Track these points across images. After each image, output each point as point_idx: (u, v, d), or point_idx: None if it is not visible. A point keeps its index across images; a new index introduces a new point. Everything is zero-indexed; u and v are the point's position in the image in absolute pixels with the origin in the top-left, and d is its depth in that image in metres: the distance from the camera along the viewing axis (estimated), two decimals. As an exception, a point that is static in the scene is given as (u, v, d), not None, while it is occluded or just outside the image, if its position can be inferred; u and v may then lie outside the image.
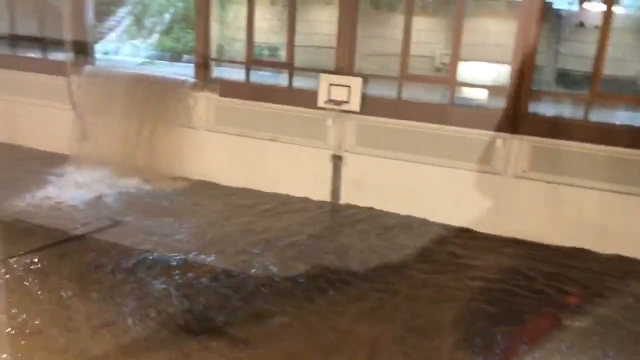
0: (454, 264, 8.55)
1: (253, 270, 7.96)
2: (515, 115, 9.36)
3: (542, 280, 8.13)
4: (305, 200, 10.70)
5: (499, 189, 9.61)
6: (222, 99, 11.18)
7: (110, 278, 7.45)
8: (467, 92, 10.64)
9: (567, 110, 9.99)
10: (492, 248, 9.19)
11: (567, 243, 9.23)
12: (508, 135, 9.40)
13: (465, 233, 9.69)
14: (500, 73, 12.62)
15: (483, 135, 9.54)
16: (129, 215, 9.58)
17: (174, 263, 8.02)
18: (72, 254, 8.04)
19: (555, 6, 14.93)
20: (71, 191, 10.46)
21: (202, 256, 8.28)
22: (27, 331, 6.11)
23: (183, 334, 6.29)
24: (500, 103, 9.64)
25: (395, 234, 9.56)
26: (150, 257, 8.10)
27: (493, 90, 10.46)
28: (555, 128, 9.20)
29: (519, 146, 9.37)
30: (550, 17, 13.82)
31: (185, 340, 6.17)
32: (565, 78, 13.12)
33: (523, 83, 9.29)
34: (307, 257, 8.45)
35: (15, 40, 12.83)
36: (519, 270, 8.42)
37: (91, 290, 7.08)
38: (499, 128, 9.44)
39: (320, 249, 8.77)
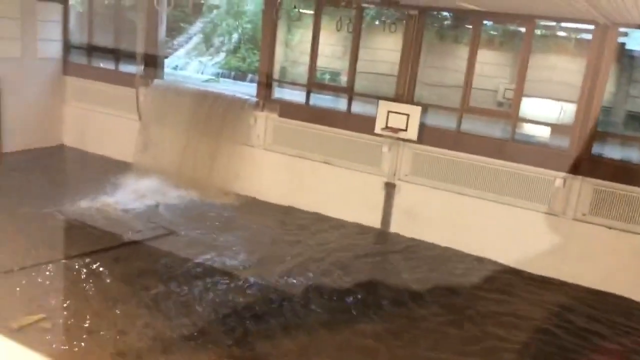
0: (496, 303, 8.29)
1: (293, 289, 8.02)
2: (579, 155, 9.07)
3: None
4: (356, 225, 10.66)
5: (556, 230, 9.29)
6: (281, 119, 11.36)
7: (158, 284, 7.64)
8: (529, 129, 10.40)
9: (634, 155, 9.61)
10: (538, 291, 8.87)
11: (625, 293, 8.80)
12: (569, 175, 9.11)
13: (514, 273, 9.39)
14: (565, 111, 12.28)
15: (543, 173, 9.28)
16: (182, 226, 9.82)
17: (220, 276, 8.15)
18: (126, 259, 8.31)
19: (628, 47, 14.48)
20: (130, 199, 10.83)
21: (247, 272, 8.38)
22: (80, 332, 6.34)
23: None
24: (564, 142, 9.38)
25: (448, 267, 9.39)
26: (199, 269, 8.28)
27: (556, 128, 10.19)
28: (620, 172, 8.85)
29: (580, 188, 9.06)
30: (621, 57, 13.40)
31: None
32: (634, 121, 12.63)
33: (588, 123, 9.01)
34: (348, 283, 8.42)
35: (92, 50, 13.49)
36: (561, 316, 8.08)
37: (139, 294, 7.29)
38: (561, 168, 9.16)
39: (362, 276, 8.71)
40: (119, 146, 12.83)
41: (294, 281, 8.24)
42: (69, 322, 6.46)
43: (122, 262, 8.14)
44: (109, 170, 12.22)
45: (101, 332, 6.35)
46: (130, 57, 12.81)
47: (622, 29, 9.37)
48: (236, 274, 8.25)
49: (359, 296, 8.02)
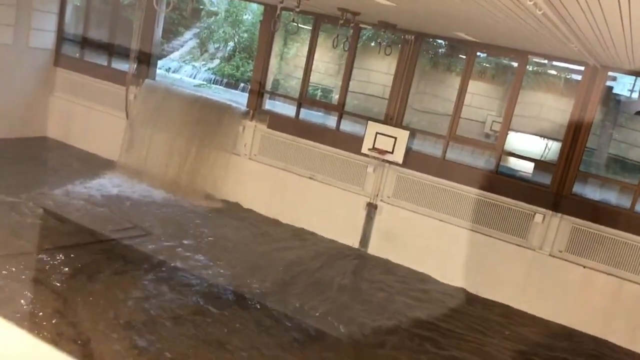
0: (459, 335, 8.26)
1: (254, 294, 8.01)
2: (560, 193, 9.18)
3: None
4: (333, 242, 10.63)
5: (531, 265, 9.36)
6: (269, 130, 11.36)
7: (131, 284, 7.53)
8: (513, 162, 10.52)
9: (613, 197, 9.75)
10: (506, 323, 8.89)
11: (593, 332, 8.87)
12: (549, 212, 9.21)
13: (484, 303, 9.41)
14: (549, 148, 12.46)
15: (523, 207, 9.37)
16: (159, 227, 9.70)
17: (188, 279, 8.07)
18: (100, 257, 8.16)
19: (615, 91, 14.76)
20: (110, 196, 10.69)
21: (216, 277, 8.32)
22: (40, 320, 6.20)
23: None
24: (546, 179, 9.49)
25: (417, 295, 9.38)
26: (166, 271, 8.21)
27: (540, 164, 10.32)
28: (599, 213, 8.97)
29: (559, 225, 9.15)
30: (608, 101, 13.65)
31: None
32: (615, 164, 12.83)
33: (572, 162, 9.14)
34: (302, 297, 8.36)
35: (85, 44, 13.38)
36: (527, 352, 8.08)
37: (111, 293, 7.18)
38: (541, 203, 9.26)
39: (321, 292, 8.65)
40: (104, 143, 12.69)
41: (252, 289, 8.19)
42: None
43: (97, 261, 8.00)
44: (91, 166, 12.08)
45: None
46: (123, 54, 12.73)
47: (610, 73, 9.57)
48: (204, 278, 8.23)
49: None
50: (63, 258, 7.75)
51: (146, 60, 12.58)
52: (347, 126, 11.02)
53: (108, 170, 11.95)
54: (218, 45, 17.72)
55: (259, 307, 7.76)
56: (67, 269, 7.50)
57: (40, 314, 6.37)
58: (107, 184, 11.27)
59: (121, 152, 12.32)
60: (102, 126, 12.88)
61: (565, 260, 9.12)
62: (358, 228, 10.56)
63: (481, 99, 14.10)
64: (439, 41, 14.06)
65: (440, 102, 13.56)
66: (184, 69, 16.98)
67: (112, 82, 12.71)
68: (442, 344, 7.76)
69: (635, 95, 14.80)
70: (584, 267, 8.98)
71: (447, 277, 9.84)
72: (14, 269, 7.12)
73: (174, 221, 10.17)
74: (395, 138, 10.01)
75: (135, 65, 12.51)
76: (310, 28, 11.52)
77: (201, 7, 17.80)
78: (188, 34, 18.41)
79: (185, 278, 8.13)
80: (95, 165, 12.16)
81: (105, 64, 13.14)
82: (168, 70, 16.37)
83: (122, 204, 10.47)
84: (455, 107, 10.03)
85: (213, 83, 16.08)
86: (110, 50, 13.10)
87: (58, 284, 7.09)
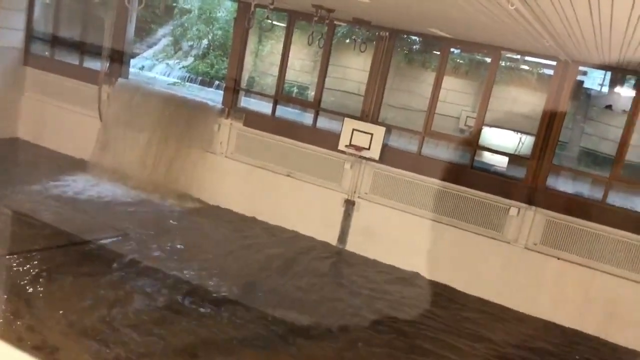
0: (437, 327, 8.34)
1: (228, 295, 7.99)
2: (533, 186, 9.32)
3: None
4: (311, 239, 10.63)
5: (507, 258, 9.49)
6: (245, 128, 11.29)
7: (107, 287, 7.43)
8: (487, 157, 10.64)
9: (586, 190, 9.93)
10: (484, 317, 9.01)
11: (568, 324, 9.03)
12: (524, 205, 9.35)
13: (463, 296, 9.52)
14: (523, 142, 12.63)
15: (498, 201, 9.49)
16: (133, 228, 9.57)
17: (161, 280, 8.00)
18: (71, 259, 8.03)
19: (586, 85, 15.03)
20: (83, 197, 10.53)
21: (191, 279, 8.26)
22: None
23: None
24: (520, 172, 9.62)
25: (393, 288, 9.44)
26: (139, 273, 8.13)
27: (514, 158, 10.46)
28: (572, 205, 9.13)
29: (533, 218, 9.29)
30: (579, 95, 13.90)
31: None
32: (587, 157, 13.07)
33: (545, 156, 9.29)
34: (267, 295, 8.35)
35: (56, 43, 13.10)
36: (502, 343, 8.19)
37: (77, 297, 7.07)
38: (516, 197, 9.39)
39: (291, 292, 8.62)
40: (77, 143, 12.46)
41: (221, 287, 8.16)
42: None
43: (70, 264, 7.88)
44: (64, 166, 11.86)
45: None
46: (95, 53, 12.51)
47: (581, 68, 9.74)
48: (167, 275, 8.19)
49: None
50: (32, 261, 7.59)
51: (119, 59, 12.39)
52: (323, 123, 11.01)
53: (81, 170, 11.76)
54: (192, 43, 17.57)
55: (232, 308, 7.66)
56: (34, 272, 7.34)
57: (0, 320, 6.23)
58: (80, 185, 11.09)
59: (95, 152, 12.12)
60: (75, 126, 12.63)
61: (540, 252, 9.27)
62: (336, 225, 10.58)
63: (456, 95, 14.23)
64: (414, 37, 14.14)
65: (415, 98, 13.65)
66: (157, 67, 16.81)
67: (85, 82, 12.47)
68: (418, 337, 7.83)
69: (605, 90, 15.10)
70: (558, 259, 9.14)
71: (426, 271, 9.92)
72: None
73: (148, 221, 10.05)
74: (372, 134, 10.04)
75: (108, 64, 12.32)
76: (285, 25, 11.48)
77: (174, 4, 17.62)
78: (161, 32, 18.21)
79: (158, 279, 8.02)
80: (68, 165, 11.95)
81: (77, 62, 12.89)
82: (141, 68, 16.18)
83: (96, 205, 10.33)
84: (430, 103, 10.11)
85: (187, 81, 15.95)
86: (82, 48, 12.84)
87: (24, 289, 6.94)
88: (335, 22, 10.38)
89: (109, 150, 12.04)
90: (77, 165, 11.96)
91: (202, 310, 7.49)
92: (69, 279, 7.41)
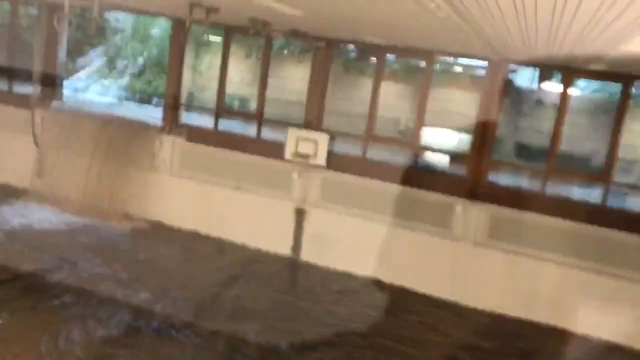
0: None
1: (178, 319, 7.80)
2: (475, 183, 9.62)
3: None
4: (263, 252, 10.57)
5: (456, 254, 9.72)
6: (188, 144, 11.15)
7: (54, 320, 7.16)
8: (429, 157, 10.92)
9: (525, 182, 10.33)
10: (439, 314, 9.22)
11: (520, 314, 9.33)
12: (468, 201, 9.62)
13: (421, 297, 9.69)
14: (462, 140, 13.04)
15: (443, 199, 9.72)
16: (80, 256, 9.25)
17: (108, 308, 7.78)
18: (14, 293, 7.67)
19: (516, 83, 15.69)
20: (24, 226, 10.12)
21: (139, 304, 8.03)
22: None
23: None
24: (462, 170, 9.91)
25: (350, 298, 9.51)
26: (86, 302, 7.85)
27: (454, 156, 10.77)
28: (514, 198, 9.46)
29: (478, 214, 9.57)
30: (511, 92, 14.48)
31: None
32: (524, 151, 13.63)
33: (483, 152, 9.61)
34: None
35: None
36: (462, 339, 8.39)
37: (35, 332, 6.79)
38: (459, 194, 9.65)
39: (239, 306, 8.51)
40: (14, 170, 11.93)
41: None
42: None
43: (10, 298, 7.55)
44: (1, 195, 11.34)
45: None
46: (26, 77, 12.09)
47: (511, 66, 10.18)
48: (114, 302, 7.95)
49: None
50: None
51: (51, 82, 12.02)
52: (268, 133, 11.02)
53: (20, 198, 11.29)
54: (127, 61, 17.24)
55: (183, 335, 7.41)
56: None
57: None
58: (20, 213, 10.63)
59: (33, 179, 11.68)
60: (10, 153, 12.12)
61: (488, 246, 9.54)
62: (288, 235, 10.57)
63: (394, 99, 14.57)
64: (350, 46, 14.40)
65: (356, 104, 13.89)
66: (93, 88, 16.39)
67: (16, 107, 12.00)
68: (378, 340, 7.93)
69: (535, 85, 15.81)
70: (505, 251, 9.43)
71: (381, 275, 10.02)
72: None
73: (93, 247, 9.73)
74: (316, 142, 10.13)
75: (40, 88, 11.92)
76: (222, 38, 11.44)
77: (106, 24, 17.25)
78: (94, 52, 17.79)
79: (105, 308, 7.73)
80: (5, 193, 11.45)
81: (6, 88, 12.41)
82: (76, 90, 15.74)
83: (38, 233, 9.92)
84: (371, 108, 10.30)
85: (125, 100, 15.63)
86: (11, 73, 12.39)
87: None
88: (272, 34, 10.43)
89: (47, 175, 11.62)
90: (15, 193, 11.47)
91: (154, 335, 7.29)
92: (14, 313, 7.10)
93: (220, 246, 10.63)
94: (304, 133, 10.28)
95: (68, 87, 14.19)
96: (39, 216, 10.66)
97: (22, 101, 11.94)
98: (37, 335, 6.71)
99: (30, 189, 11.61)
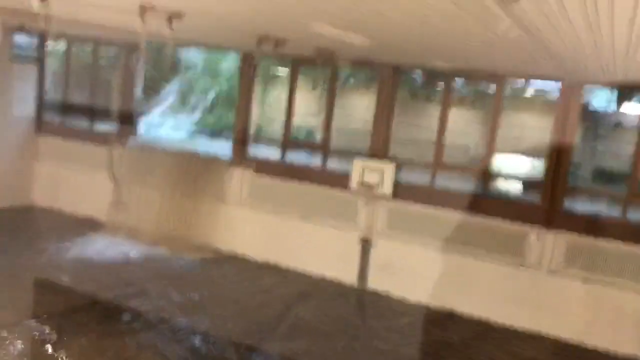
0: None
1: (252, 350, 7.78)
2: (551, 210, 9.20)
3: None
4: (330, 281, 10.50)
5: (531, 283, 9.29)
6: (257, 176, 11.36)
7: (128, 346, 7.35)
8: (501, 184, 10.57)
9: (604, 208, 9.78)
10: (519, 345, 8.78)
11: (603, 345, 8.75)
12: (543, 229, 9.20)
13: (496, 329, 9.29)
14: (535, 167, 12.57)
15: (517, 228, 9.35)
16: (152, 285, 9.54)
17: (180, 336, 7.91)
18: (92, 319, 7.98)
19: (593, 107, 15.04)
20: (102, 256, 10.58)
21: (209, 335, 8.14)
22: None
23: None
24: (536, 197, 9.51)
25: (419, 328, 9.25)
26: (159, 330, 8.03)
27: (528, 183, 10.37)
28: (592, 225, 8.97)
29: (554, 242, 9.13)
30: (587, 116, 13.89)
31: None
32: (602, 175, 12.96)
33: (559, 178, 9.20)
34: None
35: (66, 109, 13.43)
36: None
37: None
38: (534, 222, 9.25)
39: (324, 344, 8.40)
40: (92, 205, 12.59)
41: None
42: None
43: (89, 324, 7.83)
44: (82, 229, 11.95)
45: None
46: (105, 116, 12.79)
47: (587, 86, 9.75)
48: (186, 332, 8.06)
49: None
50: (51, 323, 7.56)
51: (128, 119, 12.65)
52: (335, 164, 11.06)
53: (98, 231, 11.84)
54: (199, 96, 17.93)
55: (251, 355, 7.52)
56: (54, 334, 7.30)
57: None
58: (98, 245, 11.14)
59: (110, 212, 12.24)
60: (89, 188, 12.81)
61: (565, 275, 9.06)
62: (354, 264, 10.47)
63: (463, 125, 14.30)
64: (417, 72, 14.33)
65: (423, 132, 13.72)
66: (166, 123, 17.11)
67: (96, 144, 12.69)
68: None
69: (613, 107, 15.09)
70: (583, 280, 8.92)
71: (455, 306, 9.71)
72: (7, 342, 6.94)
73: (166, 276, 10.02)
74: (382, 171, 10.05)
75: (118, 126, 12.56)
76: (289, 71, 11.68)
77: (178, 61, 18.05)
78: (168, 88, 18.62)
79: (176, 334, 7.92)
80: (85, 227, 12.05)
81: (88, 127, 13.16)
82: (151, 126, 16.48)
83: (114, 262, 10.34)
84: (439, 135, 10.12)
85: (197, 134, 16.19)
86: (92, 112, 13.14)
87: (45, 351, 6.90)
88: (338, 64, 10.54)
89: (124, 209, 12.15)
90: (94, 227, 12.06)
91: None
92: (91, 338, 7.35)
93: (285, 274, 10.67)
94: (370, 162, 10.22)
95: (143, 123, 14.87)
96: (116, 247, 11.13)
97: (101, 138, 12.61)
98: (112, 363, 6.92)
99: (108, 222, 12.15)
